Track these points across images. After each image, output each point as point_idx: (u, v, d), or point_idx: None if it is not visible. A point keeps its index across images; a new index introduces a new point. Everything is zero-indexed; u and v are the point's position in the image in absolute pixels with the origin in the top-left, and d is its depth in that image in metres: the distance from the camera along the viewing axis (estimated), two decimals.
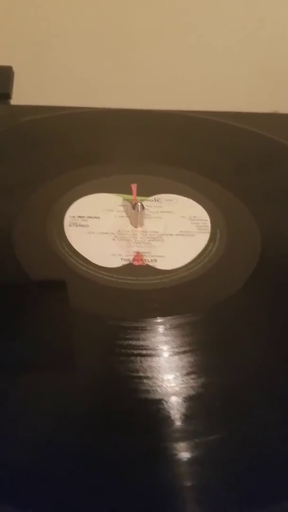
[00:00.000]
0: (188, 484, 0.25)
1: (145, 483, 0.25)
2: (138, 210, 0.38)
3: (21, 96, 0.52)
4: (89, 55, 0.63)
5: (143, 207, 0.38)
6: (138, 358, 0.30)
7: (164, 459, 0.26)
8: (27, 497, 0.25)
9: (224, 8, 0.61)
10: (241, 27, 0.62)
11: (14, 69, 0.52)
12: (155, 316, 0.32)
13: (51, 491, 0.25)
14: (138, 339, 0.31)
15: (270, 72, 0.64)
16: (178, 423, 0.27)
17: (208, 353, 0.30)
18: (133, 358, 0.30)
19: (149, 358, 0.30)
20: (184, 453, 0.26)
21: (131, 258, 0.36)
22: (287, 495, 0.25)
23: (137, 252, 0.36)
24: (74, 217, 0.39)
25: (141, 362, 0.29)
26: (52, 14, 0.61)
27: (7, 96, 0.51)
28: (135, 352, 0.30)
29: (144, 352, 0.30)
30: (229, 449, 0.27)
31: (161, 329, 0.31)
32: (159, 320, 0.32)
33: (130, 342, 0.30)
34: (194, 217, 0.40)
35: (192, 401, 0.28)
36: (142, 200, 0.39)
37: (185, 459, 0.26)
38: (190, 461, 0.26)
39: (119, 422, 0.27)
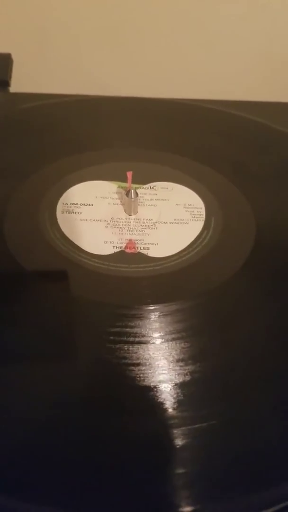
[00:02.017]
0: (181, 470, 0.25)
1: (138, 469, 0.25)
2: (131, 198, 0.38)
3: (19, 83, 0.52)
4: (88, 42, 0.63)
5: (136, 195, 0.38)
6: (131, 345, 0.30)
7: (157, 445, 0.26)
8: (23, 483, 0.25)
9: None
10: (243, 15, 0.61)
11: (13, 56, 0.51)
12: (147, 303, 0.32)
13: (46, 476, 0.25)
14: (131, 326, 0.31)
15: (269, 61, 0.63)
16: (170, 409, 0.27)
17: (200, 340, 0.30)
18: (125, 345, 0.30)
19: (141, 345, 0.30)
20: (176, 440, 0.26)
21: (123, 245, 0.36)
22: (281, 480, 0.25)
23: (130, 240, 0.36)
24: (67, 204, 0.38)
25: (133, 348, 0.29)
26: (52, 1, 0.61)
27: (5, 83, 0.50)
28: (128, 339, 0.30)
29: (136, 339, 0.30)
30: (222, 436, 0.27)
31: (153, 316, 0.31)
32: (151, 307, 0.32)
33: (123, 329, 0.30)
34: (189, 205, 0.39)
35: (185, 388, 0.28)
36: (137, 188, 0.39)
37: (178, 446, 0.26)
38: (183, 448, 0.26)
39: (112, 408, 0.28)
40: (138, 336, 0.30)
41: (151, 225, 0.38)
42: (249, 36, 0.62)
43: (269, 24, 0.61)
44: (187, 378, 0.28)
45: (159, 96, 0.50)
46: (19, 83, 0.52)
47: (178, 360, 0.29)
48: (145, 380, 0.28)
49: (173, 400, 0.28)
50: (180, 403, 0.27)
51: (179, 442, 0.26)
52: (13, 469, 0.25)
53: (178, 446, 0.26)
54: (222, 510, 0.25)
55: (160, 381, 0.28)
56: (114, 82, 0.60)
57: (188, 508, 0.24)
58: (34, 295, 0.32)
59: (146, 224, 0.38)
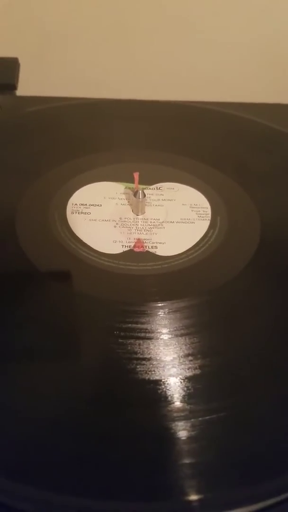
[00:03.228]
0: (187, 461, 0.26)
1: (144, 460, 0.26)
2: (139, 198, 0.39)
3: (26, 87, 0.52)
4: (93, 46, 0.64)
5: (144, 195, 0.39)
6: (139, 340, 0.30)
7: (163, 438, 0.27)
8: (29, 478, 0.26)
9: None
10: (245, 16, 0.62)
11: (20, 61, 0.52)
12: (155, 301, 0.33)
13: (51, 470, 0.26)
14: (138, 322, 0.31)
15: (272, 62, 0.64)
16: (177, 402, 0.28)
17: (206, 336, 0.31)
18: (133, 340, 0.30)
19: (149, 341, 0.30)
20: (183, 432, 0.27)
21: (132, 244, 0.37)
22: (284, 473, 0.26)
23: (138, 239, 0.37)
24: (76, 204, 0.39)
25: (141, 344, 0.30)
26: (57, 5, 0.61)
27: (12, 87, 0.51)
28: (136, 335, 0.31)
29: (144, 335, 0.31)
30: (228, 429, 0.27)
31: (161, 313, 0.32)
32: (159, 304, 0.32)
33: (131, 325, 0.31)
34: (195, 205, 0.40)
35: (191, 382, 0.29)
36: (144, 189, 0.40)
37: (184, 438, 0.27)
38: (189, 440, 0.27)
39: (119, 402, 0.28)
40: (148, 332, 0.31)
41: (158, 225, 0.38)
42: (252, 39, 0.63)
43: (272, 26, 0.62)
44: (192, 372, 0.29)
45: (165, 98, 0.51)
46: (25, 87, 0.52)
47: (187, 355, 0.30)
48: (152, 374, 0.29)
49: (183, 393, 0.28)
50: (190, 396, 0.28)
51: (185, 434, 0.27)
52: (25, 458, 0.26)
53: (188, 437, 0.27)
54: (230, 499, 0.26)
55: (165, 375, 0.29)
56: (120, 85, 0.61)
57: (195, 497, 0.25)
58: (45, 293, 0.33)
59: (154, 223, 0.39)
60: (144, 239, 0.37)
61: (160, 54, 0.64)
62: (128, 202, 0.40)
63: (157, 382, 0.29)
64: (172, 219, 0.39)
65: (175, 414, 0.28)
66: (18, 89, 0.51)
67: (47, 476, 0.25)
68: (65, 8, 0.62)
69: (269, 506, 0.26)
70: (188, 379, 0.29)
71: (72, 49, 0.64)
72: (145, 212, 0.39)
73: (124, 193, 0.41)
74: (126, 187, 0.41)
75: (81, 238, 0.37)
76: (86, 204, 0.39)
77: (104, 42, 0.63)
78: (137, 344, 0.30)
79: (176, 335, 0.31)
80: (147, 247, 0.37)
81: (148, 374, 0.29)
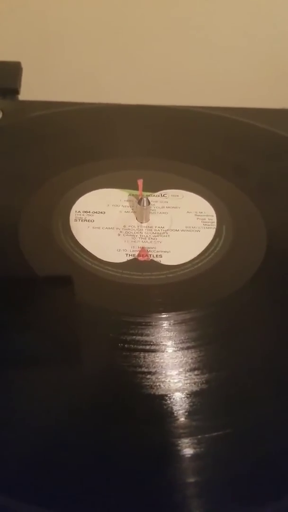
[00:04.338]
0: (191, 480, 0.25)
1: (148, 478, 0.25)
2: (143, 206, 0.38)
3: (28, 91, 0.52)
4: (97, 51, 0.63)
5: (148, 202, 0.38)
6: (142, 353, 0.30)
7: (167, 455, 0.26)
8: (29, 489, 0.25)
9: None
10: (248, 20, 0.62)
11: (22, 65, 0.52)
12: (159, 312, 0.32)
13: (53, 483, 0.25)
14: (143, 334, 0.31)
15: (277, 68, 0.63)
16: (181, 419, 0.27)
17: (212, 349, 0.30)
18: (137, 353, 0.30)
19: (153, 353, 0.30)
20: (187, 449, 0.26)
21: (136, 253, 0.36)
22: None
23: (142, 248, 0.36)
24: (79, 212, 0.39)
25: (145, 357, 0.30)
26: (60, 10, 0.61)
27: (15, 91, 0.51)
28: (140, 347, 0.30)
29: (148, 347, 0.30)
30: (233, 445, 0.27)
31: (165, 324, 0.31)
32: (163, 315, 0.32)
33: (135, 337, 0.31)
34: (200, 212, 0.40)
35: (196, 397, 0.28)
36: (148, 196, 0.39)
37: (189, 455, 0.26)
38: (193, 457, 0.26)
39: (123, 417, 0.28)
40: (152, 344, 0.30)
41: (163, 233, 0.38)
42: (253, 44, 0.62)
43: (276, 30, 0.62)
44: (197, 387, 0.28)
45: (168, 104, 0.50)
46: (27, 91, 0.52)
47: (193, 369, 0.29)
48: (156, 389, 0.28)
49: (188, 409, 0.28)
50: (195, 412, 0.28)
51: (190, 451, 0.26)
52: (23, 473, 0.25)
53: (192, 454, 0.26)
54: None
55: (170, 390, 0.28)
56: (122, 90, 0.61)
57: None
58: (48, 301, 0.33)
59: (158, 231, 0.38)
60: (149, 248, 0.36)
61: (167, 60, 0.63)
62: (132, 209, 0.39)
63: (161, 397, 0.28)
64: (177, 227, 0.38)
65: (180, 431, 0.27)
66: (21, 94, 0.51)
67: (48, 492, 0.25)
68: (70, 12, 0.61)
69: None
70: (193, 394, 0.28)
71: (76, 54, 0.63)
72: (149, 220, 0.39)
73: (128, 201, 0.40)
74: (130, 194, 0.41)
75: (85, 246, 0.36)
76: (89, 212, 0.39)
77: (108, 47, 0.63)
78: (141, 357, 0.30)
79: (182, 348, 0.30)
80: (151, 256, 0.36)
81: (152, 388, 0.28)
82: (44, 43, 0.63)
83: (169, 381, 0.29)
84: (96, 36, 0.63)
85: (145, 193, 0.40)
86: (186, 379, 0.29)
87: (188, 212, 0.40)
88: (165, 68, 0.64)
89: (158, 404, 0.28)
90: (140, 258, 0.36)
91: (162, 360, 0.29)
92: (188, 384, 0.28)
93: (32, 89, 0.52)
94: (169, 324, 0.31)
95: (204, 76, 0.64)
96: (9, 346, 0.30)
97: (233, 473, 0.26)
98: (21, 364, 0.29)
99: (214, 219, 0.39)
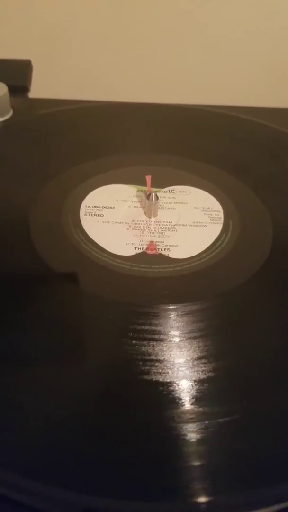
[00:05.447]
0: (197, 463, 0.26)
1: (155, 462, 0.26)
2: (152, 201, 0.39)
3: (39, 89, 0.53)
4: (105, 50, 0.64)
5: (157, 198, 0.39)
6: (151, 342, 0.31)
7: (174, 440, 0.27)
8: (37, 473, 0.26)
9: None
10: (253, 19, 0.62)
11: (32, 63, 0.53)
12: (167, 303, 0.33)
13: (60, 469, 0.26)
14: (151, 324, 0.32)
15: (283, 67, 0.64)
16: (188, 405, 0.28)
17: (217, 339, 0.31)
18: (145, 342, 0.31)
19: (160, 343, 0.31)
20: (193, 434, 0.27)
21: (144, 247, 0.37)
22: None
23: (151, 241, 0.37)
24: (89, 206, 0.40)
25: (153, 346, 0.30)
26: (68, 10, 0.62)
27: (25, 89, 0.52)
28: (148, 336, 0.31)
29: (156, 336, 0.31)
30: (238, 432, 0.28)
31: (172, 315, 0.32)
32: (171, 306, 0.33)
33: (143, 327, 0.31)
34: (207, 208, 0.40)
35: (202, 384, 0.29)
36: (156, 191, 0.40)
37: (195, 440, 0.27)
38: (200, 442, 0.27)
39: (132, 402, 0.28)
40: (160, 334, 0.31)
41: (171, 228, 0.39)
42: (255, 45, 0.63)
43: (275, 30, 0.62)
44: (203, 375, 0.29)
45: (175, 102, 0.51)
46: (36, 89, 0.53)
47: (199, 358, 0.30)
48: (163, 376, 0.29)
49: (195, 395, 0.28)
50: (202, 398, 0.28)
51: (196, 436, 0.27)
52: (34, 456, 0.26)
53: (198, 439, 0.27)
54: (239, 502, 0.26)
55: (177, 377, 0.29)
56: (133, 88, 0.61)
57: (204, 499, 0.25)
58: (59, 294, 0.33)
59: (166, 226, 0.39)
60: (157, 242, 0.37)
61: (175, 59, 0.64)
62: (141, 204, 0.40)
63: (169, 384, 0.29)
64: (185, 222, 0.39)
65: (186, 416, 0.28)
66: (31, 92, 0.52)
67: (55, 474, 0.26)
68: (79, 12, 0.62)
69: (278, 510, 0.27)
70: (200, 381, 0.29)
71: (85, 53, 0.64)
72: (157, 215, 0.39)
73: (136, 196, 0.41)
74: (138, 190, 0.41)
75: (95, 240, 0.37)
76: (99, 206, 0.40)
77: (118, 45, 0.64)
78: (149, 345, 0.30)
79: (188, 338, 0.31)
80: (159, 249, 0.37)
81: (160, 375, 0.29)
82: (53, 42, 0.63)
83: (176, 368, 0.29)
84: (105, 36, 0.63)
85: (153, 189, 0.41)
86: (193, 367, 0.30)
87: (195, 207, 0.40)
88: (172, 68, 0.65)
89: (165, 390, 0.28)
90: (149, 252, 0.37)
91: (169, 349, 0.30)
92: (194, 372, 0.29)
93: (42, 87, 0.53)
94: (176, 315, 0.32)
95: (211, 76, 0.65)
96: (21, 337, 0.31)
97: (237, 458, 0.27)
98: (32, 354, 0.30)
99: (221, 214, 0.40)
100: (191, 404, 0.28)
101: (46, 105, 0.51)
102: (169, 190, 0.42)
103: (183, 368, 0.30)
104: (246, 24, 0.62)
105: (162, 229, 0.38)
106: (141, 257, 0.36)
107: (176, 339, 0.31)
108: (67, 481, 0.26)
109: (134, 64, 0.65)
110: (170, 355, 0.30)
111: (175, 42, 0.64)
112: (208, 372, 0.29)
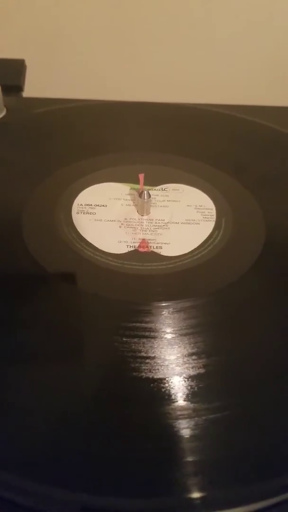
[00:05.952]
0: (190, 459, 0.26)
1: (147, 458, 0.26)
2: (144, 199, 0.39)
3: (32, 88, 0.53)
4: (99, 49, 0.64)
5: (149, 196, 0.39)
6: (143, 339, 0.31)
7: (167, 436, 0.27)
8: (33, 472, 0.26)
9: None
10: (253, 19, 0.62)
11: (26, 62, 0.53)
12: (159, 300, 0.33)
13: (54, 466, 0.26)
14: (143, 322, 0.32)
15: (279, 66, 0.64)
16: (180, 401, 0.28)
17: (209, 336, 0.31)
18: (138, 339, 0.31)
19: (153, 340, 0.31)
20: (186, 430, 0.27)
21: (137, 244, 0.37)
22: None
23: (143, 239, 0.37)
24: (82, 205, 0.40)
25: (145, 343, 0.30)
26: (63, 8, 0.62)
27: (19, 88, 0.52)
28: (140, 333, 0.31)
29: (148, 334, 0.31)
30: (231, 428, 0.28)
31: (165, 312, 0.32)
32: (163, 304, 0.33)
33: (136, 324, 0.31)
34: (200, 206, 0.40)
35: (194, 381, 0.29)
36: (149, 190, 0.40)
37: (187, 436, 0.27)
38: (192, 438, 0.27)
39: (124, 400, 0.28)
40: (152, 331, 0.31)
41: (163, 225, 0.39)
42: (254, 44, 0.63)
43: (275, 30, 0.62)
44: (195, 371, 0.29)
45: (170, 101, 0.51)
46: (30, 88, 0.53)
47: (191, 354, 0.30)
48: (155, 373, 0.29)
49: (187, 392, 0.28)
50: (194, 395, 0.28)
51: (192, 431, 0.27)
52: (30, 455, 0.26)
53: (191, 435, 0.27)
54: (232, 497, 0.26)
55: (169, 374, 0.29)
56: (126, 87, 0.61)
57: (198, 494, 0.25)
58: (51, 292, 0.34)
59: (159, 224, 0.39)
60: (149, 239, 0.37)
61: (169, 57, 0.64)
62: (133, 203, 0.40)
63: (161, 381, 0.29)
64: (177, 220, 0.39)
65: (178, 413, 0.28)
66: (25, 91, 0.52)
67: (49, 472, 0.26)
68: (74, 10, 0.62)
69: (271, 505, 0.27)
70: (192, 378, 0.29)
71: (79, 52, 0.64)
72: (150, 213, 0.39)
73: (129, 194, 0.41)
74: (131, 188, 0.41)
75: (86, 238, 0.37)
76: (91, 205, 0.40)
77: (111, 44, 0.64)
78: (141, 343, 0.30)
79: (180, 335, 0.31)
80: (152, 247, 0.37)
81: (152, 372, 0.29)
82: (47, 41, 0.63)
83: (168, 365, 0.29)
84: (99, 34, 0.63)
85: (146, 187, 0.41)
86: (184, 364, 0.30)
87: (188, 205, 0.40)
88: (168, 66, 0.65)
89: (157, 387, 0.28)
90: (141, 249, 0.37)
91: (161, 346, 0.30)
92: (186, 369, 0.29)
93: (36, 86, 0.53)
94: (169, 312, 0.32)
95: (206, 74, 0.65)
96: (13, 336, 0.31)
97: (230, 453, 0.27)
98: (24, 353, 0.30)
99: (214, 212, 0.40)
100: (184, 400, 0.28)
101: (39, 104, 0.51)
102: (162, 188, 0.42)
103: (176, 365, 0.30)
104: (246, 24, 0.62)
105: (154, 227, 0.38)
106: (134, 255, 0.36)
107: (168, 336, 0.31)
108: (63, 480, 0.26)
109: (129, 63, 0.65)
110: (163, 352, 0.30)
111: (171, 40, 0.64)
112: (200, 368, 0.29)
